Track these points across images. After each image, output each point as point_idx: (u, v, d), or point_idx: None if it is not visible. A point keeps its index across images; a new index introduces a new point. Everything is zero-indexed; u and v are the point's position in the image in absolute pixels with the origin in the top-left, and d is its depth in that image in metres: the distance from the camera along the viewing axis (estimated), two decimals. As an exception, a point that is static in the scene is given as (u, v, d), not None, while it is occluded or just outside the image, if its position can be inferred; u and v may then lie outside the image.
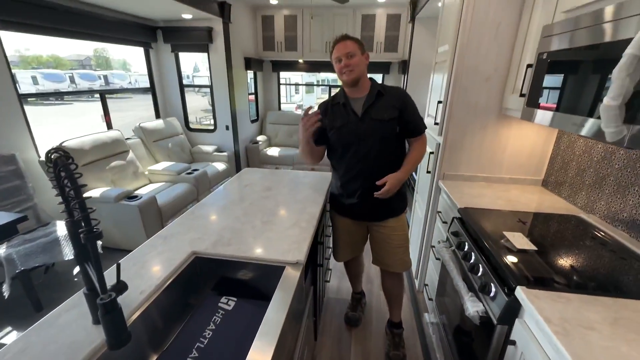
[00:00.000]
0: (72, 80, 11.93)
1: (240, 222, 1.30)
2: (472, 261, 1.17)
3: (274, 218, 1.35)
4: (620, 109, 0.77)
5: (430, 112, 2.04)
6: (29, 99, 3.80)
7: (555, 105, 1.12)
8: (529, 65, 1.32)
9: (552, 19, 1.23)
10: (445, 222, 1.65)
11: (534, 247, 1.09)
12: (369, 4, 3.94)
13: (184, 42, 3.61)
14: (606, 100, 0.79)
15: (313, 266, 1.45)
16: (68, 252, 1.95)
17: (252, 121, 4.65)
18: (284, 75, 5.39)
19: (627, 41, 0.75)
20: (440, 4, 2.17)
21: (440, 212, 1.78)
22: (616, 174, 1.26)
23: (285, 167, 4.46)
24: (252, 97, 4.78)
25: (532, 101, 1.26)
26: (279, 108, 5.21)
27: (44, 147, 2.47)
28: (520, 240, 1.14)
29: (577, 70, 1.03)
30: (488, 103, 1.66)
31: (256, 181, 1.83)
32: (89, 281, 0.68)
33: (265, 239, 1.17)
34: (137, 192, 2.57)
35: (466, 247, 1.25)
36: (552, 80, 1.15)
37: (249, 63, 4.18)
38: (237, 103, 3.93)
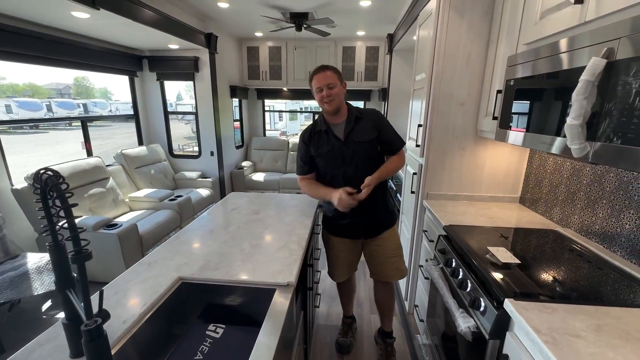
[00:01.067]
0: (49, 108, 11.68)
1: (227, 246, 1.27)
2: (460, 277, 1.19)
3: (262, 241, 1.33)
4: (582, 127, 0.85)
5: (411, 135, 2.14)
6: (0, 127, 3.68)
7: (524, 127, 1.22)
8: (498, 91, 1.44)
9: (515, 49, 1.36)
10: (431, 241, 1.68)
11: (517, 261, 1.13)
12: (349, 37, 4.20)
13: (170, 70, 3.67)
14: (569, 120, 0.87)
15: (303, 289, 1.42)
16: (38, 286, 1.82)
17: (237, 147, 4.67)
18: (269, 102, 5.52)
19: (582, 69, 0.84)
20: (415, 37, 2.36)
21: (426, 231, 1.82)
22: (585, 189, 1.35)
23: (271, 191, 4.45)
24: (237, 123, 4.84)
25: (504, 123, 1.36)
26: (264, 134, 5.28)
27: (17, 176, 2.37)
28: (504, 255, 1.17)
29: (541, 95, 1.13)
30: (464, 126, 1.77)
31: (243, 205, 1.81)
32: (70, 310, 0.65)
33: (254, 261, 1.15)
34: (117, 220, 2.47)
35: (454, 264, 1.27)
36: (520, 103, 1.25)
37: (235, 91, 4.27)
38: (222, 129, 3.96)
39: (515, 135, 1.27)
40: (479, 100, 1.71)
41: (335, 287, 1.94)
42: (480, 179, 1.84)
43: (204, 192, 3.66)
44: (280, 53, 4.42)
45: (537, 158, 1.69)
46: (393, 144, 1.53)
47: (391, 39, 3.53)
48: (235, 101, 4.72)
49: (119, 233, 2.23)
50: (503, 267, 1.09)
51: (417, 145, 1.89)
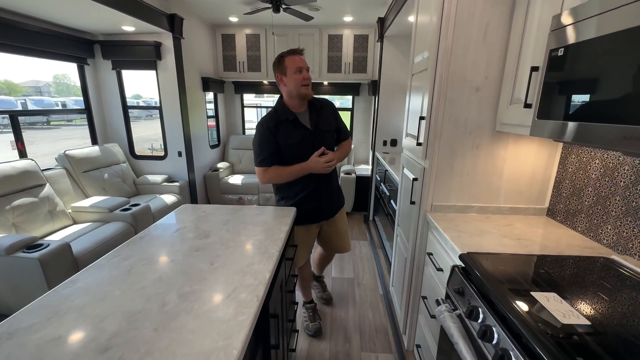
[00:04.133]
0: (24, 107, 10.82)
1: (144, 299, 0.83)
2: (495, 341, 0.79)
3: (201, 286, 0.90)
4: None
5: (409, 130, 1.73)
6: None
7: (581, 115, 0.82)
8: (533, 69, 1.05)
9: (560, 6, 0.97)
10: (440, 270, 1.28)
11: (585, 321, 0.73)
12: (335, 23, 3.78)
13: (127, 58, 3.17)
14: None
15: (264, 351, 0.99)
16: None
17: (213, 146, 4.20)
18: (248, 97, 5.05)
19: None
20: (411, 18, 1.96)
21: (432, 254, 1.41)
22: (657, 203, 0.97)
23: (250, 195, 3.99)
24: (213, 120, 4.37)
25: (545, 111, 0.97)
26: (244, 132, 4.81)
27: None
28: (559, 307, 0.78)
29: (614, 64, 0.73)
30: (479, 118, 1.37)
31: (192, 223, 1.37)
32: None
33: (176, 330, 0.72)
34: (46, 239, 1.98)
35: (481, 317, 0.87)
36: (575, 82, 0.86)
37: (207, 84, 3.80)
38: (192, 127, 3.48)
39: (566, 128, 0.87)
40: (500, 84, 1.32)
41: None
42: (498, 186, 1.45)
43: (169, 198, 3.17)
44: (259, 42, 3.96)
45: (575, 159, 1.31)
46: (345, 132, 1.74)
47: (382, 23, 3.13)
48: (210, 96, 4.24)
49: (40, 257, 1.75)
50: (566, 334, 0.70)
51: (419, 144, 1.49)
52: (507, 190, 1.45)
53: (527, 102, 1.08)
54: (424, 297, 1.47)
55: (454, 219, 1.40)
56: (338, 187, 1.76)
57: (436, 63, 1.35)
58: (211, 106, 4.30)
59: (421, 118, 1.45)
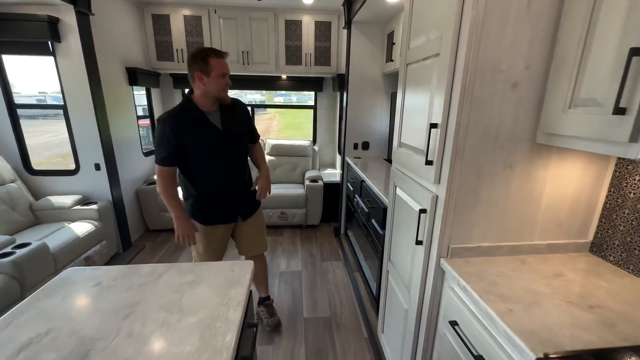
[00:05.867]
0: None
1: None
2: None
3: None
4: None
5: (406, 140, 1.28)
6: None
7: None
8: (634, 51, 0.64)
9: None
10: (478, 358, 0.84)
11: None
12: (293, 7, 3.24)
13: (9, 37, 2.30)
14: None
15: None
16: None
17: (149, 153, 3.42)
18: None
19: None
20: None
21: (457, 324, 0.98)
22: None
23: None
24: (148, 121, 3.57)
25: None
26: (188, 134, 4.05)
27: None
28: None
29: None
30: (516, 126, 0.96)
31: (67, 321, 0.77)
32: None
33: None
34: None
35: None
36: None
37: (135, 76, 3.02)
38: (115, 130, 2.71)
39: None
40: (545, 77, 0.92)
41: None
42: (534, 218, 1.07)
43: (83, 227, 2.39)
44: (201, 25, 3.27)
45: (634, 181, 0.96)
46: (256, 135, 1.76)
47: (349, 6, 2.67)
48: (141, 91, 3.45)
49: None
50: None
51: (428, 163, 1.04)
52: (544, 222, 1.08)
53: (620, 103, 0.68)
54: (444, 380, 1.04)
55: (483, 269, 0.99)
56: (250, 186, 1.72)
57: (457, 46, 0.90)
58: (144, 103, 3.50)
59: (432, 126, 1.01)
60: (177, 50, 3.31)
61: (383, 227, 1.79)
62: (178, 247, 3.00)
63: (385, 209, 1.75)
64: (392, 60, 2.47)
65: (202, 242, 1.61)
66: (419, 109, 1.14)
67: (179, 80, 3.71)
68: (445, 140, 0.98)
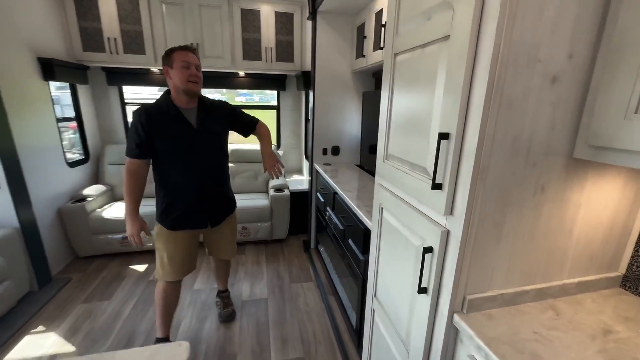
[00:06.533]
0: None
1: None
2: None
3: None
4: None
5: (402, 154, 0.99)
6: None
7: None
8: None
9: None
10: None
11: None
12: (250, -6, 2.86)
13: None
14: None
15: None
16: None
17: (74, 163, 2.82)
18: (132, 91, 3.72)
19: None
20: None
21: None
22: None
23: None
24: (75, 124, 2.96)
25: None
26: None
27: None
28: None
29: None
30: (552, 135, 0.71)
31: None
32: None
33: None
34: None
35: None
36: None
37: (51, 68, 2.43)
38: (21, 136, 2.13)
39: None
40: (591, 69, 0.68)
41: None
42: (564, 252, 0.84)
43: (-26, 266, 1.81)
44: (139, 10, 2.75)
45: (685, 203, 0.77)
46: (252, 120, 1.73)
47: (314, -5, 2.37)
48: (62, 87, 2.83)
49: None
50: None
51: (436, 187, 0.76)
52: (575, 257, 0.85)
53: None
54: None
55: (514, 329, 0.73)
56: (225, 191, 1.69)
57: (479, 24, 0.63)
58: (68, 101, 2.89)
59: (441, 136, 0.73)
60: (109, 39, 2.76)
61: (364, 251, 1.51)
62: (117, 276, 2.48)
63: (366, 231, 1.46)
64: (363, 56, 2.21)
65: (165, 249, 1.55)
66: (417, 112, 0.86)
67: (115, 76, 3.13)
68: (462, 156, 0.70)
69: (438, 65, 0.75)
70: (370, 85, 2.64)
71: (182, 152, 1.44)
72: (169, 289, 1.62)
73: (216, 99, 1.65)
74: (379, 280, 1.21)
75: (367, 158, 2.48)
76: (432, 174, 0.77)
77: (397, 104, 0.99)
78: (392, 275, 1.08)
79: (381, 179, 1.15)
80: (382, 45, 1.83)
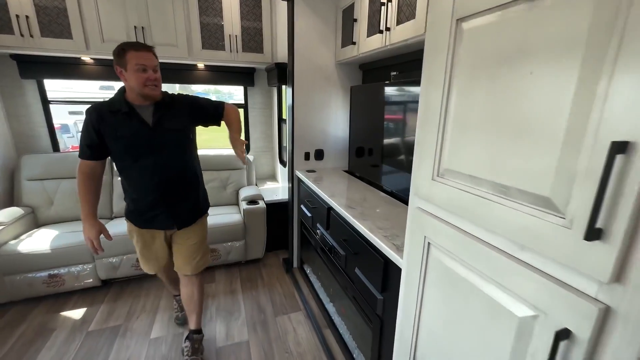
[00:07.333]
0: None
1: None
2: None
3: None
4: None
5: (485, 174, 0.64)
6: None
7: None
8: None
9: None
10: None
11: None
12: (208, -31, 2.38)
13: None
14: None
15: None
16: None
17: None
18: (67, 88, 3.00)
19: None
20: None
21: None
22: None
23: (80, 266, 2.16)
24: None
25: None
26: (55, 147, 2.76)
27: None
28: None
29: None
30: None
31: None
32: None
33: None
34: None
35: None
36: None
37: None
38: None
39: None
40: None
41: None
42: None
43: None
44: (60, -19, 2.13)
45: None
46: (218, 105, 1.56)
47: (289, -30, 1.97)
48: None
49: None
50: None
51: (591, 235, 0.44)
52: None
53: None
54: None
55: None
56: (192, 192, 1.54)
57: None
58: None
59: (617, 148, 0.40)
60: (18, 17, 2.10)
61: (383, 289, 1.17)
62: (42, 329, 1.87)
63: (387, 264, 1.13)
64: (353, 43, 1.87)
65: (138, 244, 1.56)
66: (529, 108, 0.53)
67: (31, 66, 2.44)
68: (658, 184, 0.39)
69: (581, 26, 0.42)
70: (357, 79, 2.31)
71: (138, 153, 1.36)
72: (160, 274, 1.75)
73: (180, 93, 1.52)
74: (424, 340, 0.88)
75: (357, 163, 2.15)
76: (589, 216, 0.44)
77: (466, 94, 0.66)
78: (456, 343, 0.75)
79: (427, 203, 0.81)
80: (383, 27, 1.51)
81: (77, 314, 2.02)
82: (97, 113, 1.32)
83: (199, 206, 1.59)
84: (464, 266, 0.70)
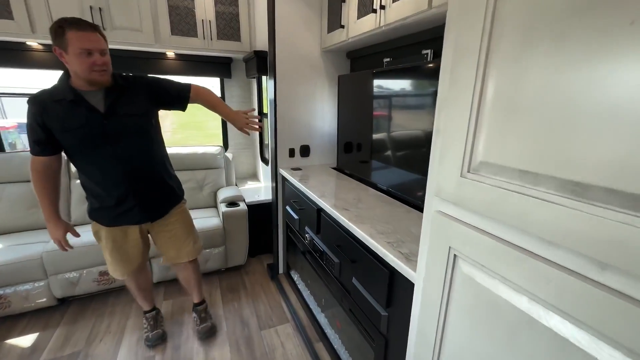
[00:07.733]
0: None
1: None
2: None
3: None
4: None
5: (545, 167, 0.49)
6: None
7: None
8: None
9: None
10: None
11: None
12: (175, -56, 2.11)
13: None
14: None
15: None
16: None
17: None
18: (7, 76, 2.65)
19: None
20: None
21: None
22: None
23: (25, 286, 1.85)
24: None
25: None
26: (1, 147, 2.40)
27: None
28: None
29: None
30: None
31: None
32: None
33: None
34: None
35: None
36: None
37: None
38: None
39: None
40: None
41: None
42: None
43: None
44: (-6, -50, 1.80)
45: None
46: (185, 87, 1.44)
47: (268, -55, 1.76)
48: None
49: None
50: None
51: None
52: None
53: None
54: None
55: None
56: (162, 179, 1.44)
57: None
58: None
59: None
60: (-58, -9, 1.75)
61: (387, 304, 1.01)
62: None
63: (393, 274, 0.97)
64: (342, 27, 1.69)
65: (106, 247, 1.44)
66: (625, 83, 0.37)
67: (-36, 52, 2.08)
68: None
69: None
70: (345, 68, 2.14)
71: (93, 144, 1.23)
72: (129, 282, 1.60)
73: (138, 74, 1.39)
74: (446, 372, 0.72)
75: (346, 159, 1.99)
76: None
77: (516, 64, 0.50)
78: (494, 383, 0.59)
79: (454, 206, 0.65)
80: (377, 5, 1.34)
81: (26, 340, 1.73)
82: (39, 104, 1.18)
83: (171, 194, 1.51)
84: (511, 287, 0.54)
